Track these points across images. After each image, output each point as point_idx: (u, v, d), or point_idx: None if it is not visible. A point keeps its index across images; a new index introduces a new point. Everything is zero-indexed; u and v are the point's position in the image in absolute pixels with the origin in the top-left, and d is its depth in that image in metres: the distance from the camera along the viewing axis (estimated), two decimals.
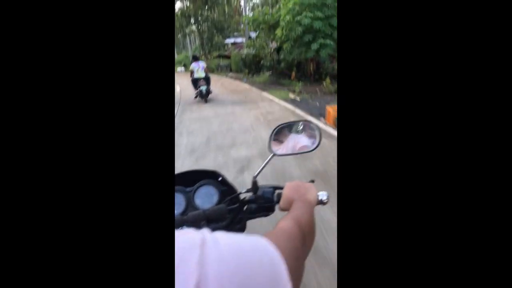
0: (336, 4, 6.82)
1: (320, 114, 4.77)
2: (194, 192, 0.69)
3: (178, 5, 17.80)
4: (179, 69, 18.03)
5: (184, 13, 16.90)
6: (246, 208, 0.62)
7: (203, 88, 6.44)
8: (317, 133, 0.67)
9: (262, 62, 11.47)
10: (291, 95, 7.06)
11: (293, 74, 10.21)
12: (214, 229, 0.28)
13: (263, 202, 0.60)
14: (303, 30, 7.26)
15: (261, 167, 0.62)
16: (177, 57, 24.23)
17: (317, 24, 7.01)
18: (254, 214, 0.62)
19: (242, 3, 20.94)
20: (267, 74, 10.98)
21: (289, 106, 5.64)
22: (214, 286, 0.21)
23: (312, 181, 0.55)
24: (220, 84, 10.24)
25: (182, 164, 3.11)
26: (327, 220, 1.85)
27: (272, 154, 0.65)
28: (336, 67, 7.86)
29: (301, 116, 4.71)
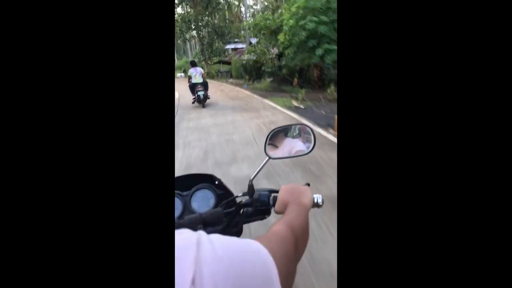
0: None
1: (328, 124, 4.40)
2: (191, 196, 0.68)
3: (178, 11, 17.66)
4: (178, 74, 17.81)
5: (185, 18, 16.73)
6: (243, 212, 0.63)
7: (201, 93, 6.50)
8: (312, 136, 0.67)
9: (263, 68, 11.18)
10: (295, 103, 6.71)
11: (295, 80, 9.92)
12: (210, 232, 0.28)
13: (259, 205, 0.60)
14: (307, 35, 6.94)
15: (257, 170, 0.63)
16: (177, 62, 24.08)
17: (322, 29, 6.69)
18: (250, 218, 0.63)
19: (242, 9, 20.89)
20: (268, 80, 10.67)
21: (294, 115, 5.28)
22: (209, 283, 0.22)
23: (308, 184, 0.56)
24: (220, 91, 9.91)
25: None
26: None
27: (267, 158, 0.65)
28: None
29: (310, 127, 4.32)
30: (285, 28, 7.51)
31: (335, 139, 3.67)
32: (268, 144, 0.67)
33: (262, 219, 0.63)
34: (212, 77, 15.84)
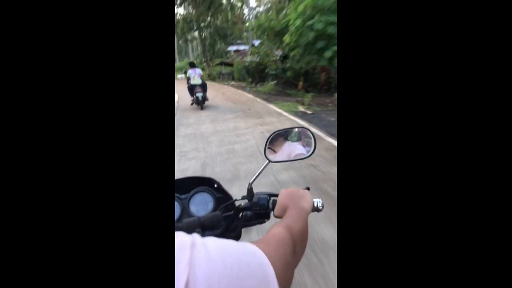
0: None
1: None
2: (189, 199, 0.68)
3: (180, 11, 17.38)
4: (179, 76, 17.42)
5: (186, 19, 16.40)
6: (242, 216, 0.62)
7: (199, 95, 6.44)
8: (312, 140, 0.66)
9: (267, 70, 10.76)
10: (301, 108, 6.29)
11: (300, 84, 9.50)
12: (209, 236, 0.28)
13: (259, 209, 0.59)
14: (315, 36, 6.53)
15: (256, 174, 0.62)
16: (178, 64, 23.76)
17: (331, 30, 6.27)
18: (249, 222, 0.62)
19: (245, 11, 20.58)
20: (272, 83, 10.25)
21: (301, 122, 4.84)
22: (203, 285, 0.22)
23: (308, 188, 0.55)
24: (221, 94, 9.49)
25: None
26: None
27: (267, 161, 0.64)
28: None
29: (319, 136, 3.89)
30: (292, 28, 7.10)
31: None
32: (268, 148, 0.66)
33: (261, 223, 0.62)
34: (214, 79, 15.47)
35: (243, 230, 0.64)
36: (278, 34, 9.39)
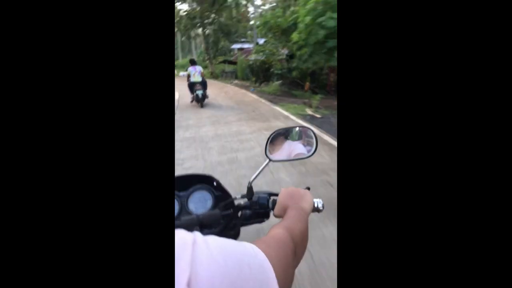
0: None
1: None
2: (188, 196, 0.67)
3: (183, 7, 16.97)
4: (181, 73, 17.04)
5: (190, 15, 16.00)
6: (241, 214, 0.62)
7: (199, 92, 6.37)
8: (314, 139, 0.65)
9: (272, 70, 10.33)
10: (309, 111, 5.88)
11: (307, 84, 9.08)
12: (207, 234, 0.28)
13: (258, 208, 0.59)
14: (326, 34, 6.09)
15: (257, 173, 0.62)
16: (181, 61, 23.37)
17: None
18: (248, 220, 0.62)
19: (250, 9, 20.15)
20: (277, 83, 9.83)
21: (311, 127, 4.42)
22: (205, 285, 0.21)
23: (308, 188, 0.55)
24: (224, 93, 9.08)
25: None
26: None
27: (268, 160, 0.64)
28: None
29: (333, 146, 3.47)
30: (300, 26, 6.66)
31: None
32: (270, 146, 0.65)
33: (260, 222, 0.62)
34: (216, 77, 15.06)
35: (242, 229, 0.64)
36: (284, 32, 8.97)
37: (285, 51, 10.17)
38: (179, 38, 25.40)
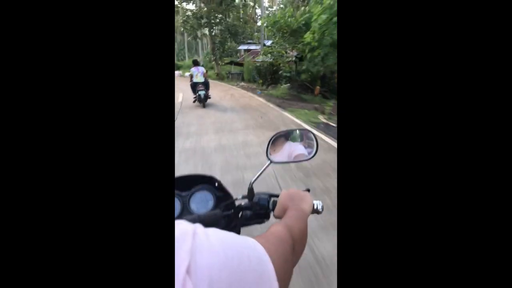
0: None
1: None
2: (190, 196, 0.67)
3: (189, 7, 16.59)
4: (187, 74, 16.66)
5: (196, 15, 15.62)
6: (241, 215, 0.62)
7: (202, 92, 6.43)
8: (314, 142, 0.67)
9: (280, 72, 9.82)
10: (322, 118, 5.35)
11: (317, 88, 8.56)
12: None
13: (259, 209, 0.59)
14: None
15: (258, 174, 0.62)
16: (187, 61, 23.03)
17: None
18: (249, 221, 0.62)
19: (257, 11, 19.73)
20: (285, 86, 9.32)
21: (326, 138, 3.89)
22: (204, 274, 0.22)
23: (308, 190, 0.55)
24: (229, 96, 8.59)
25: None
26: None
27: (269, 162, 0.65)
28: None
29: None
30: (314, 25, 6.13)
31: None
32: (271, 147, 0.67)
33: (260, 223, 0.62)
34: (222, 79, 14.61)
35: (242, 229, 0.63)
36: (294, 33, 8.46)
37: (293, 53, 9.66)
38: (185, 38, 25.10)
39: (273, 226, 0.38)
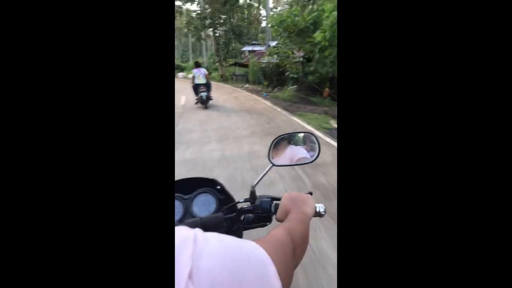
0: None
1: None
2: (192, 199, 0.68)
3: (193, 7, 16.35)
4: (190, 75, 16.40)
5: (200, 15, 15.35)
6: (243, 218, 0.62)
7: (204, 94, 6.46)
8: (316, 145, 0.66)
9: (287, 73, 9.43)
10: (333, 123, 4.95)
11: (326, 90, 8.15)
12: None
13: (261, 212, 0.59)
14: None
15: (260, 177, 0.63)
16: (191, 62, 22.82)
17: None
18: (251, 224, 0.62)
19: (262, 12, 19.43)
20: (292, 88, 8.93)
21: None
22: (206, 278, 0.22)
23: (310, 193, 0.55)
24: (233, 99, 8.23)
25: None
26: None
27: (271, 165, 0.65)
28: None
29: None
30: (325, 23, 5.73)
31: None
32: (273, 150, 0.66)
33: (263, 226, 0.62)
34: (226, 80, 14.29)
35: (244, 232, 0.63)
36: (301, 32, 8.08)
37: (300, 54, 9.27)
38: (190, 40, 24.90)
39: (274, 229, 0.38)
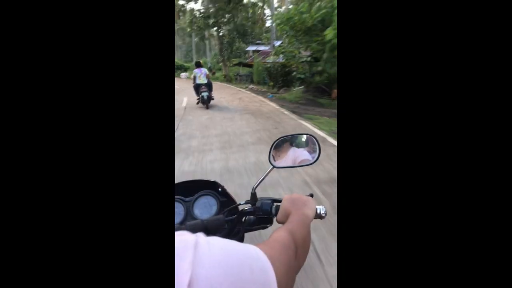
0: None
1: None
2: (194, 202, 0.68)
3: (196, 6, 16.04)
4: (193, 75, 16.06)
5: (204, 14, 15.01)
6: (245, 220, 0.62)
7: (205, 94, 6.44)
8: (317, 146, 0.66)
9: (294, 73, 9.01)
10: None
11: (335, 91, 7.73)
12: None
13: (262, 214, 0.59)
14: None
15: (260, 179, 0.62)
16: (194, 63, 22.53)
17: None
18: (252, 226, 0.62)
19: (266, 12, 19.06)
20: (299, 89, 8.51)
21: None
22: (205, 285, 0.22)
23: (311, 195, 0.54)
24: (237, 100, 7.85)
25: None
26: None
27: (271, 167, 0.64)
28: None
29: None
30: (336, 20, 5.33)
31: None
32: (273, 153, 0.66)
33: (264, 228, 0.62)
34: (230, 81, 13.93)
35: (245, 234, 0.63)
36: (308, 31, 7.67)
37: (307, 53, 8.85)
38: (193, 39, 24.60)
39: (275, 231, 0.38)
